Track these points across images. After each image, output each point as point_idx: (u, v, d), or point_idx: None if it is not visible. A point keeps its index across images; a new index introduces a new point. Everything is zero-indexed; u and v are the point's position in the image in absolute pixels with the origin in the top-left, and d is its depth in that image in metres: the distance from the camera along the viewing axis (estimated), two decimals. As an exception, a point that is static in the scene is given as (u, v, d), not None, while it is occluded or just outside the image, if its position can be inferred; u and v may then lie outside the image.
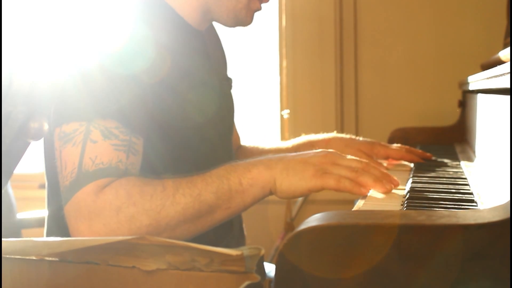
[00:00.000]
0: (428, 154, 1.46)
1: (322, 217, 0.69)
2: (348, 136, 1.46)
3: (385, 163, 1.45)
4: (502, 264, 0.63)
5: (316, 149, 1.42)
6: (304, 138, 1.48)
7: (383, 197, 1.01)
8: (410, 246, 0.65)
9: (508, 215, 0.64)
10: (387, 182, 1.02)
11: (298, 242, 0.67)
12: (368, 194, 1.01)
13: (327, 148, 1.40)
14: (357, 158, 1.05)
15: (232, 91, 1.38)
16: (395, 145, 1.47)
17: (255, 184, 1.00)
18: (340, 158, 1.04)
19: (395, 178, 1.06)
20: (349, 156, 1.06)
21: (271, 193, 1.02)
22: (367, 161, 1.06)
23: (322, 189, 1.00)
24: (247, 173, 1.01)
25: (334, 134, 1.47)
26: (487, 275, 0.63)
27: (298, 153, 1.06)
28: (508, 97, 0.91)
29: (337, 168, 1.01)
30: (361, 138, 1.46)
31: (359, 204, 0.96)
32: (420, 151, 1.47)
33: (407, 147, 1.47)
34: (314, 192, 1.01)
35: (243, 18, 1.20)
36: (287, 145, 1.47)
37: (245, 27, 1.23)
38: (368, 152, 1.40)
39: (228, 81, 1.37)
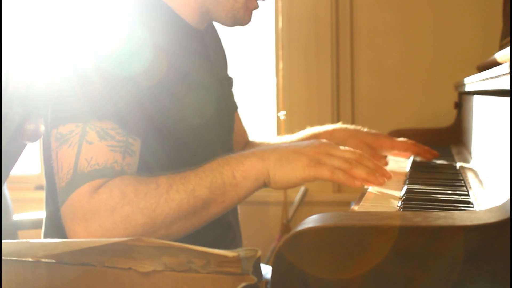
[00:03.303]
0: (435, 152, 1.44)
1: (318, 219, 0.69)
2: (352, 126, 1.45)
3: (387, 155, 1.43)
4: (499, 265, 0.63)
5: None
6: (309, 130, 1.48)
7: (379, 198, 1.01)
8: (406, 247, 0.65)
9: (506, 216, 0.64)
10: (380, 175, 1.02)
11: (295, 244, 0.67)
12: (365, 196, 1.01)
13: (331, 139, 1.40)
14: (351, 149, 1.05)
15: (234, 90, 1.39)
16: (401, 139, 1.45)
17: (249, 176, 1.00)
18: (334, 148, 1.04)
19: (388, 171, 1.06)
20: (342, 147, 1.06)
21: (265, 184, 1.02)
22: (360, 152, 1.06)
23: (315, 179, 1.00)
24: (240, 165, 1.00)
25: (339, 125, 1.46)
26: (484, 276, 0.63)
27: (291, 143, 1.06)
28: (508, 98, 0.91)
29: (330, 159, 1.01)
30: (366, 129, 1.44)
31: (355, 206, 0.96)
32: (427, 147, 1.44)
33: (413, 141, 1.45)
34: (308, 182, 1.01)
35: (241, 17, 1.20)
36: (291, 139, 1.47)
37: (244, 26, 1.23)
38: (372, 143, 1.40)
39: (228, 81, 1.37)
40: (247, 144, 1.52)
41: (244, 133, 1.53)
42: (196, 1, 1.18)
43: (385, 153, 1.43)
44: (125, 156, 0.99)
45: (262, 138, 1.55)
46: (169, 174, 0.99)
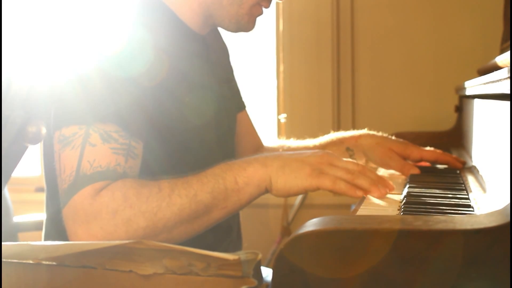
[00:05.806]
0: (462, 160, 1.40)
1: (319, 222, 0.69)
2: (380, 133, 1.42)
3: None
4: (499, 269, 0.63)
5: (345, 146, 1.40)
6: (333, 135, 1.46)
7: (380, 201, 1.01)
8: (407, 251, 0.65)
9: (506, 220, 0.64)
10: (382, 186, 1.02)
11: (295, 247, 0.67)
12: (365, 199, 1.01)
13: (357, 145, 1.39)
14: (354, 161, 1.06)
15: (239, 90, 1.38)
16: (428, 148, 1.41)
17: (251, 183, 1.00)
18: (337, 159, 1.04)
19: (391, 183, 1.06)
20: (345, 159, 1.06)
21: (266, 191, 1.02)
22: (363, 164, 1.06)
23: (317, 189, 1.00)
24: (243, 171, 1.00)
25: (365, 131, 1.43)
26: (484, 280, 0.63)
27: (295, 152, 1.06)
28: (508, 102, 0.92)
29: (333, 169, 1.01)
30: (393, 137, 1.42)
31: (356, 209, 0.96)
32: (454, 156, 1.41)
33: (440, 150, 1.41)
34: (310, 191, 1.01)
35: (245, 23, 1.19)
36: (314, 143, 1.46)
37: (247, 33, 1.23)
38: (401, 153, 1.36)
39: (230, 83, 1.37)
40: (260, 149, 1.50)
41: (254, 133, 1.52)
42: (200, 5, 1.18)
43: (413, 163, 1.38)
44: (127, 159, 0.99)
45: (280, 142, 1.53)
46: (171, 178, 0.99)
